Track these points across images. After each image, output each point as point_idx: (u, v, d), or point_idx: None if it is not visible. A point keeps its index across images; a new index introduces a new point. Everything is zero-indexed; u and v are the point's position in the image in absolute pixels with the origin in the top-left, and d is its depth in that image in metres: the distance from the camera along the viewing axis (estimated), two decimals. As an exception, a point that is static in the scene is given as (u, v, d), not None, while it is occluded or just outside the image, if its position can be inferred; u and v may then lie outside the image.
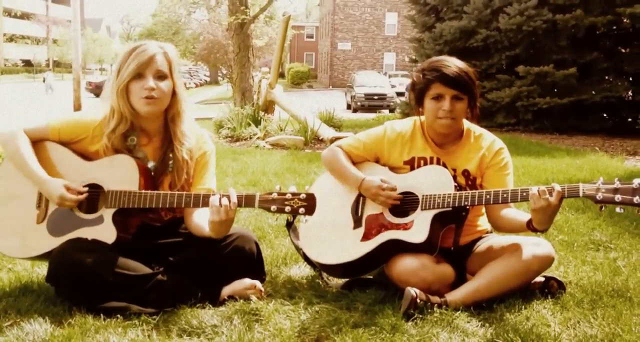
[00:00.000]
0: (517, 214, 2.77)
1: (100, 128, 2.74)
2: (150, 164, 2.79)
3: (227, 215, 2.52)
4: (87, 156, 2.77)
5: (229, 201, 2.52)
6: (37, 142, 2.75)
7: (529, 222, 2.61)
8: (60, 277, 2.56)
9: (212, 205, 2.53)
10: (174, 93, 2.74)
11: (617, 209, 2.44)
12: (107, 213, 2.66)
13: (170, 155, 2.77)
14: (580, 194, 2.47)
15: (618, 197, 2.42)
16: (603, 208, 2.48)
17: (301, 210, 2.52)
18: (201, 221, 2.72)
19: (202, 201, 2.62)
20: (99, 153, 2.74)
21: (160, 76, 2.67)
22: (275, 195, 2.54)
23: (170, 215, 2.87)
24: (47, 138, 2.76)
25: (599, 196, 2.44)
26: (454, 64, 2.77)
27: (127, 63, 2.64)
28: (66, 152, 2.76)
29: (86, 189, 2.67)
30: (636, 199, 2.38)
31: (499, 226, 2.87)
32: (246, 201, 2.56)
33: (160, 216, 2.85)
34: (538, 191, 2.49)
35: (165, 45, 2.75)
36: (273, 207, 2.53)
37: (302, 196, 2.53)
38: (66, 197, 2.62)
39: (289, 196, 2.53)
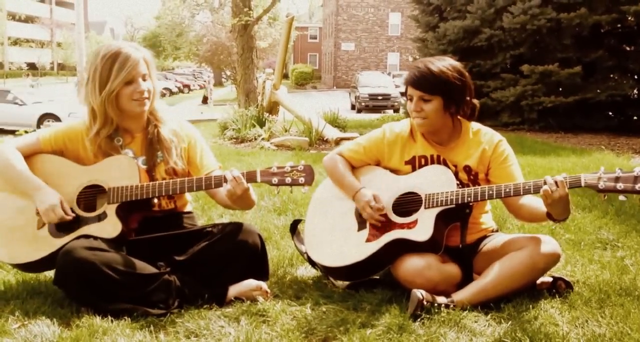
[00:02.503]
0: (538, 203, 2.75)
1: (88, 133, 2.80)
2: (140, 160, 2.85)
3: (240, 188, 2.62)
4: (81, 162, 2.82)
5: (234, 175, 2.62)
6: (31, 156, 2.80)
7: (549, 213, 2.63)
8: (68, 276, 2.57)
9: (224, 184, 2.64)
10: None
11: (621, 197, 2.46)
12: (110, 209, 2.70)
13: (157, 139, 2.84)
14: (582, 184, 2.49)
15: (620, 186, 2.44)
16: (606, 197, 2.51)
17: (301, 180, 2.65)
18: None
19: (205, 183, 2.69)
20: (91, 158, 2.80)
21: (145, 79, 2.77)
22: (274, 169, 2.67)
23: (171, 204, 2.92)
24: (40, 150, 2.82)
25: (601, 184, 2.46)
26: (426, 65, 2.78)
27: (114, 71, 2.69)
28: (61, 160, 2.81)
29: (73, 214, 2.70)
30: (638, 187, 2.40)
31: (520, 216, 2.89)
32: (248, 177, 2.65)
33: (160, 206, 2.90)
34: (544, 192, 2.50)
35: (141, 48, 2.83)
36: (274, 180, 2.65)
37: (300, 167, 2.67)
38: (57, 209, 2.65)
39: (287, 168, 2.67)
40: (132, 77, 2.72)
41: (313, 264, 3.02)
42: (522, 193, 2.62)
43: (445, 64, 2.78)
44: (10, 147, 2.79)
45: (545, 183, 2.52)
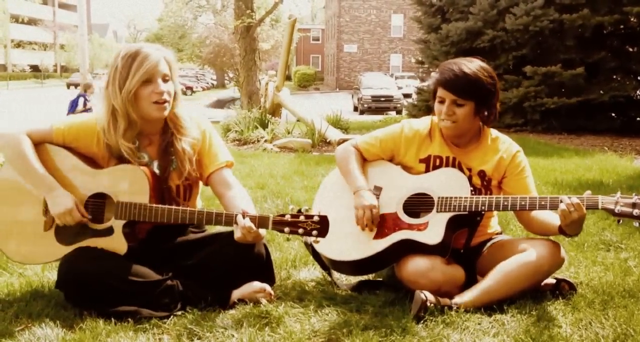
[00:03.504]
0: (549, 217, 2.76)
1: (110, 136, 2.69)
2: (155, 164, 2.77)
3: (251, 236, 2.54)
4: (91, 159, 2.74)
5: (245, 225, 2.52)
6: (39, 146, 2.69)
7: (561, 228, 2.64)
8: (69, 285, 2.57)
9: (234, 225, 2.56)
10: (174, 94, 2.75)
11: (635, 224, 2.49)
12: (117, 224, 2.63)
13: (172, 149, 2.75)
14: (599, 207, 2.52)
15: (636, 212, 2.47)
16: (621, 221, 2.54)
17: (314, 232, 2.53)
18: (232, 203, 2.73)
19: (215, 219, 2.61)
20: (104, 155, 2.72)
21: (166, 80, 2.68)
22: (288, 217, 2.55)
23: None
24: (50, 140, 2.70)
25: (618, 209, 2.50)
26: (460, 68, 2.73)
27: (133, 69, 2.60)
28: (71, 158, 2.71)
29: (90, 216, 2.64)
30: None
31: (530, 228, 2.89)
32: (260, 223, 2.56)
33: None
34: (562, 212, 2.53)
35: (162, 48, 2.74)
36: (286, 229, 2.55)
37: (315, 218, 2.53)
38: (74, 213, 2.59)
39: (302, 218, 2.54)
40: (151, 75, 2.61)
41: (316, 255, 2.99)
42: (537, 208, 2.64)
43: (477, 66, 2.75)
44: (21, 133, 2.66)
45: (561, 201, 2.54)
